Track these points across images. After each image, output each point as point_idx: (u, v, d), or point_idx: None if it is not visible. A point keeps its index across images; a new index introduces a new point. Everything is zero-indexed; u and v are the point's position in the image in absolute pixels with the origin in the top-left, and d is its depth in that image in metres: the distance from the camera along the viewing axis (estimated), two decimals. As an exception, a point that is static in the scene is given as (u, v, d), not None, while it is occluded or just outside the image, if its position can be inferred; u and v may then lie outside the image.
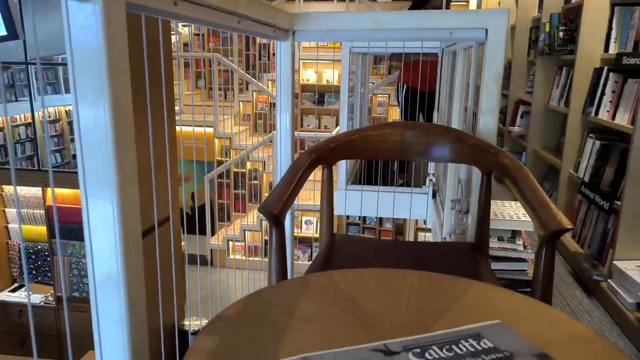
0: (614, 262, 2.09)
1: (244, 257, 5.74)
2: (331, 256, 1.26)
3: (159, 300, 1.66)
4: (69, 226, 3.47)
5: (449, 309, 0.71)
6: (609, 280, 2.13)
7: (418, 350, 0.60)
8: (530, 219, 1.95)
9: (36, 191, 3.89)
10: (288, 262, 1.54)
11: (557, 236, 0.94)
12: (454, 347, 0.61)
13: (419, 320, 0.68)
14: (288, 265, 1.25)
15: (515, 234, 1.95)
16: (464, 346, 0.61)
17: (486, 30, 1.37)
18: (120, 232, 1.00)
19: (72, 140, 6.63)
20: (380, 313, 0.70)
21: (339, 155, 1.37)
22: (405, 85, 3.84)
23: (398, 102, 4.07)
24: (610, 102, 2.42)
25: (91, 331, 1.03)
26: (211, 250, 5.59)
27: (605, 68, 2.48)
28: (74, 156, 6.60)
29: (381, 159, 1.45)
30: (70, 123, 6.60)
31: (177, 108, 6.19)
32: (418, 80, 3.56)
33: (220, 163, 5.38)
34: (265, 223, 5.56)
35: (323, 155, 1.32)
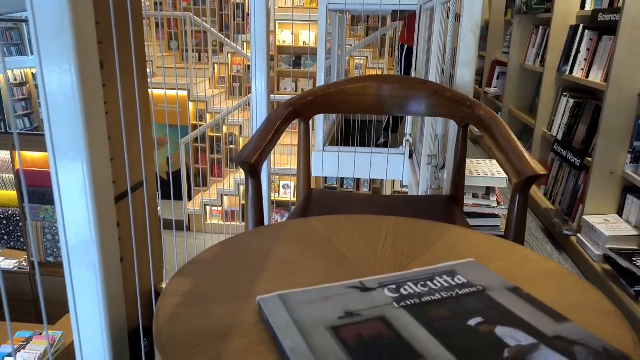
0: (583, 216, 2.16)
1: (221, 222, 5.73)
2: (309, 209, 1.26)
3: (134, 263, 1.64)
4: (40, 190, 3.39)
5: (425, 250, 0.72)
6: (578, 234, 2.20)
7: (393, 286, 0.61)
8: (503, 176, 1.99)
9: (4, 155, 3.77)
10: (265, 216, 1.54)
11: (531, 182, 0.96)
12: (428, 283, 0.62)
13: (395, 260, 0.69)
14: (265, 220, 1.25)
15: (489, 191, 1.98)
16: (439, 282, 0.62)
17: (464, -19, 1.34)
18: (92, 197, 0.98)
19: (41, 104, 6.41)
20: (357, 255, 0.70)
21: (316, 109, 1.35)
22: (403, 46, 3.79)
23: (395, 62, 4.04)
24: (585, 60, 2.44)
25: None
26: (188, 215, 5.57)
27: (581, 25, 2.48)
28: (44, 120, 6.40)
29: (358, 114, 1.44)
30: (37, 85, 6.36)
31: (148, 71, 6.02)
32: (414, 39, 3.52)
33: (195, 127, 5.29)
34: (242, 188, 5.54)
35: (300, 109, 1.30)
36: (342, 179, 6.33)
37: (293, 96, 1.35)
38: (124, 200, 1.89)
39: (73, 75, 0.82)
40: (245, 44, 6.01)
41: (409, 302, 0.57)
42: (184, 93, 5.53)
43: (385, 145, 4.08)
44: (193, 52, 5.75)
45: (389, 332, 0.51)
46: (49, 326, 2.94)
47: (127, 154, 1.36)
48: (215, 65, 6.15)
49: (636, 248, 1.94)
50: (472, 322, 0.54)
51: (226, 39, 5.46)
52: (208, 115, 5.70)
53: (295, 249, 0.71)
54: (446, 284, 0.62)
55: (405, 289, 0.60)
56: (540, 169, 0.96)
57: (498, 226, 1.93)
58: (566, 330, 0.52)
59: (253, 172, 1.01)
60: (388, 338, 0.50)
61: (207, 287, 0.60)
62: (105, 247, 1.03)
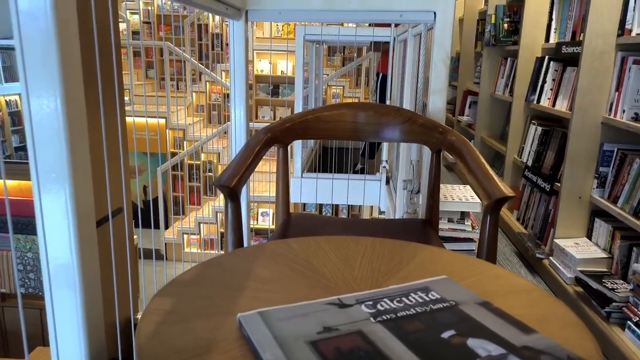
0: (554, 240, 2.22)
1: (199, 250, 5.66)
2: (288, 232, 1.27)
3: (114, 293, 1.62)
4: (12, 219, 3.31)
5: (400, 268, 0.75)
6: (550, 257, 2.26)
7: (370, 302, 0.63)
8: (477, 201, 2.04)
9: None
10: (245, 239, 1.54)
11: (500, 204, 1.00)
12: (404, 299, 0.64)
13: (372, 278, 0.71)
14: (245, 244, 1.26)
15: (463, 215, 2.04)
16: (413, 298, 0.64)
17: (434, 13, 1.42)
18: (75, 223, 0.98)
19: (14, 132, 6.31)
20: (335, 274, 0.72)
21: (294, 134, 1.38)
22: (380, 74, 3.91)
23: (373, 92, 4.15)
24: (551, 89, 2.56)
25: (38, 327, 1.00)
26: (165, 243, 5.49)
27: (546, 57, 2.61)
28: (16, 149, 6.29)
29: (335, 140, 1.48)
30: (11, 114, 6.27)
31: (127, 99, 6.01)
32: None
33: (174, 155, 5.27)
34: (220, 215, 5.50)
35: (278, 134, 1.33)
36: (321, 205, 6.35)
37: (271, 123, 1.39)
38: (102, 227, 1.87)
39: (58, 100, 0.83)
40: (223, 72, 6.07)
41: (385, 317, 0.59)
42: (162, 121, 5.53)
43: (362, 171, 4.14)
44: (171, 80, 5.78)
45: (365, 345, 0.53)
46: (17, 360, 2.83)
47: (108, 180, 1.36)
48: (194, 93, 6.18)
49: (605, 270, 2.00)
50: (445, 334, 0.56)
51: (205, 67, 5.52)
52: (186, 143, 5.69)
53: (275, 269, 0.73)
54: (420, 300, 0.64)
55: (382, 305, 0.62)
56: (508, 191, 1.00)
57: (473, 250, 1.97)
58: (533, 340, 0.55)
59: (232, 196, 1.02)
60: (365, 350, 0.52)
61: (188, 306, 0.61)
62: (86, 275, 1.02)
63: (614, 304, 1.77)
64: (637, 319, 1.65)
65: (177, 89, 6.15)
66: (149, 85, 6.38)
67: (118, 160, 1.64)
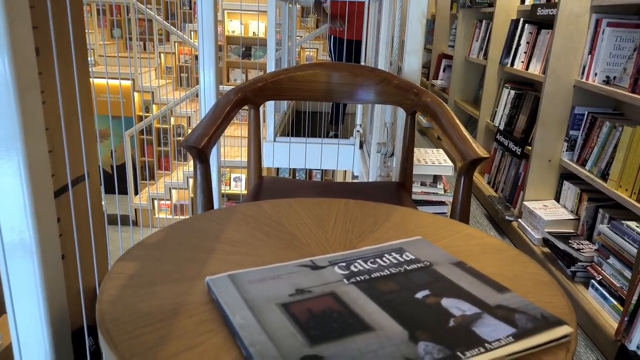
0: (524, 202, 2.26)
1: (170, 216, 5.59)
2: (260, 195, 1.25)
3: (77, 260, 1.57)
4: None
5: (374, 230, 0.73)
6: (519, 219, 2.30)
7: (344, 264, 0.61)
8: (450, 164, 2.05)
9: None
10: (216, 203, 1.51)
11: (475, 165, 0.99)
12: (377, 260, 0.63)
13: (345, 239, 0.70)
14: (216, 206, 1.23)
15: (436, 179, 2.04)
16: (387, 259, 0.63)
17: (411, -30, 1.37)
18: (30, 191, 0.93)
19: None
20: (307, 235, 0.70)
21: (265, 95, 1.34)
22: (332, 36, 3.83)
23: (329, 51, 4.07)
24: (525, 52, 2.55)
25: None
26: (135, 209, 5.39)
27: (521, 19, 2.59)
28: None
29: (308, 101, 1.45)
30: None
31: (90, 59, 5.75)
32: (344, 31, 3.56)
33: (141, 119, 5.12)
34: (192, 180, 5.42)
35: (249, 95, 1.28)
36: (294, 170, 6.32)
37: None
38: (65, 195, 1.81)
39: (6, 62, 0.77)
40: (192, 33, 5.86)
41: (358, 279, 0.58)
42: (128, 83, 5.33)
43: (336, 137, 4.11)
44: (137, 40, 5.55)
45: (339, 306, 0.52)
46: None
47: (66, 145, 1.30)
48: (162, 54, 5.96)
49: (572, 231, 2.05)
50: (420, 294, 0.55)
51: (172, 27, 5.31)
52: (154, 106, 5.53)
53: (245, 231, 0.71)
54: (395, 261, 0.63)
55: (355, 266, 0.61)
56: (483, 152, 0.99)
57: (445, 213, 1.99)
58: (507, 299, 0.55)
59: (201, 157, 0.99)
60: (338, 311, 0.51)
61: (154, 269, 0.58)
62: (44, 242, 0.98)
63: (579, 263, 1.82)
64: (600, 277, 1.70)
65: (144, 49, 5.92)
66: (113, 46, 6.11)
67: (77, 125, 1.56)
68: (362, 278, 0.58)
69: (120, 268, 0.58)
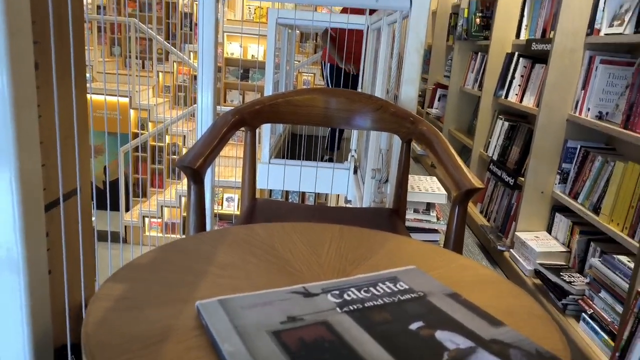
0: (516, 233, 2.26)
1: (161, 234, 5.54)
2: (253, 218, 1.24)
3: (64, 276, 1.54)
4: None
5: (368, 257, 0.73)
6: (511, 250, 2.30)
7: (337, 292, 0.60)
8: (443, 192, 2.05)
9: None
10: (208, 224, 1.49)
11: (469, 195, 0.99)
12: (371, 288, 0.62)
13: (339, 266, 0.69)
14: (207, 228, 1.22)
15: (429, 207, 2.04)
16: (381, 288, 0.62)
17: (410, 1, 1.39)
18: (20, 207, 0.91)
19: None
20: (300, 260, 0.70)
21: (262, 117, 1.34)
22: (328, 64, 3.87)
23: (323, 78, 4.10)
24: (519, 85, 2.59)
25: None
26: (125, 226, 5.34)
27: (516, 53, 2.64)
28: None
29: (305, 125, 1.45)
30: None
31: (88, 75, 5.77)
32: (342, 59, 3.61)
33: (136, 136, 5.11)
34: (184, 200, 5.38)
35: (246, 117, 1.29)
36: (287, 192, 6.32)
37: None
38: (55, 209, 1.78)
39: (4, 78, 0.78)
40: (192, 53, 5.91)
41: (351, 307, 0.57)
42: (125, 100, 5.35)
43: (330, 161, 4.12)
44: (136, 59, 5.58)
45: (331, 335, 0.51)
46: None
47: (60, 159, 1.29)
48: (160, 73, 6.00)
49: (564, 263, 2.05)
50: (413, 326, 0.54)
51: (172, 47, 5.36)
52: (150, 124, 5.53)
53: (237, 255, 0.70)
54: (389, 290, 0.62)
55: (349, 295, 0.60)
56: (478, 183, 0.99)
57: (437, 241, 1.99)
58: (502, 333, 0.54)
59: (196, 178, 0.98)
60: (330, 341, 0.50)
61: (142, 292, 0.57)
62: (31, 259, 0.96)
63: (570, 296, 1.81)
64: (592, 311, 1.69)
65: (142, 67, 5.95)
66: (112, 63, 6.15)
67: (73, 139, 1.56)
68: (355, 307, 0.57)
69: (108, 289, 0.57)
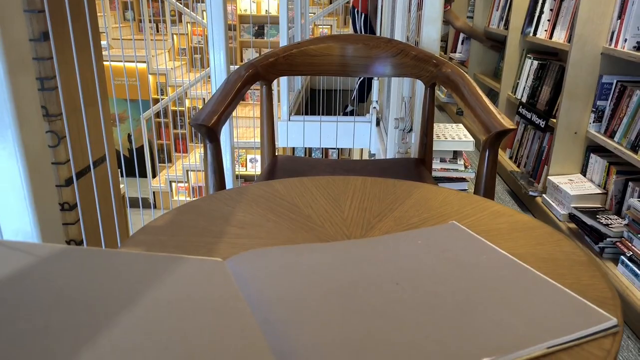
0: (548, 177, 2.18)
1: (188, 198, 5.62)
2: (274, 175, 1.21)
3: (101, 243, 1.56)
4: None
5: (394, 208, 0.69)
6: (543, 195, 2.22)
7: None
8: (470, 139, 1.97)
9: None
10: (229, 185, 1.47)
11: (500, 137, 0.93)
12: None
13: (363, 219, 0.65)
14: (229, 186, 1.19)
15: (456, 155, 1.97)
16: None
17: None
18: (28, 182, 0.89)
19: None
20: (322, 216, 0.66)
21: (277, 70, 1.28)
22: (362, 14, 3.68)
23: (355, 30, 3.90)
24: (549, 20, 2.43)
25: None
26: (153, 192, 5.42)
27: (544, -14, 2.47)
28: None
29: (322, 76, 1.39)
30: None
31: (104, 43, 5.73)
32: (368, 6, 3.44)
33: (156, 101, 5.10)
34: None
35: (261, 70, 1.23)
36: (310, 150, 6.28)
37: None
38: (84, 178, 1.79)
39: None
40: (204, 13, 5.78)
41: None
42: (142, 66, 5.31)
43: (352, 113, 4.03)
44: (150, 22, 5.50)
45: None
46: None
47: (87, 128, 1.27)
48: (174, 36, 5.91)
49: (600, 206, 1.97)
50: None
51: (184, 7, 5.25)
52: (169, 89, 5.50)
53: (256, 213, 0.66)
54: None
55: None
56: (509, 124, 0.93)
57: (466, 190, 1.93)
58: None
59: (211, 136, 0.94)
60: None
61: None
62: (46, 231, 0.95)
63: (607, 239, 1.75)
64: (631, 253, 1.63)
65: (157, 30, 5.87)
66: (127, 29, 6.08)
67: (94, 107, 1.54)
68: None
69: (123, 254, 0.55)
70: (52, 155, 1.75)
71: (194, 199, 5.54)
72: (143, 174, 4.64)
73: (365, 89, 4.06)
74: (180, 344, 0.37)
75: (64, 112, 1.60)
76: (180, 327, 0.39)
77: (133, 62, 4.68)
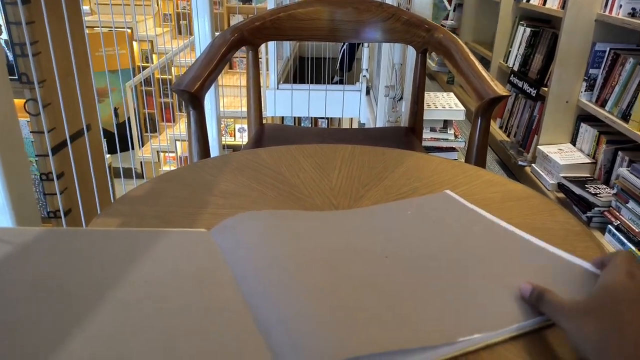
0: (538, 147, 2.17)
1: (176, 168, 5.56)
2: (260, 143, 1.17)
3: (81, 215, 1.52)
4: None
5: (384, 177, 0.66)
6: (532, 164, 2.22)
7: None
8: (461, 108, 1.94)
9: None
10: (215, 151, 1.44)
11: (493, 104, 0.91)
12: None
13: (351, 188, 0.63)
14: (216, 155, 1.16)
15: (446, 124, 1.95)
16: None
17: None
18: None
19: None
20: (309, 185, 0.64)
21: (264, 34, 1.24)
22: None
23: None
24: (542, -14, 2.38)
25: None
26: (140, 162, 5.35)
27: (539, -51, 2.40)
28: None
29: (310, 41, 1.35)
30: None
31: (87, 8, 5.54)
32: None
33: (141, 70, 4.97)
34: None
35: (247, 35, 1.18)
36: (299, 119, 6.21)
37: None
38: (65, 149, 1.74)
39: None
40: (190, -23, 5.59)
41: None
42: (125, 32, 5.15)
43: (340, 83, 3.97)
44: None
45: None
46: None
47: (62, 102, 1.22)
48: (159, 0, 5.73)
49: (589, 175, 1.97)
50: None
51: (169, -29, 5.06)
52: (155, 56, 5.37)
53: (241, 182, 0.64)
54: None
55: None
56: (502, 90, 0.90)
57: (456, 159, 1.91)
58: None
59: (194, 102, 0.91)
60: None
61: (136, 226, 0.52)
62: (18, 202, 0.91)
63: (596, 208, 1.75)
64: (618, 222, 1.64)
65: (141, -4, 5.67)
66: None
67: (74, 77, 1.47)
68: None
69: (99, 225, 0.52)
70: (35, 125, 1.69)
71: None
72: (129, 149, 4.53)
73: (352, 55, 3.99)
74: (163, 327, 0.35)
75: (36, 81, 1.54)
76: (162, 309, 0.37)
77: (118, 28, 4.54)
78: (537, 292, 0.39)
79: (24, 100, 1.61)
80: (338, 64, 4.17)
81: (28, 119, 1.64)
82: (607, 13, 1.88)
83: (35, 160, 1.69)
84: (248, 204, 0.59)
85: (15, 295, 0.37)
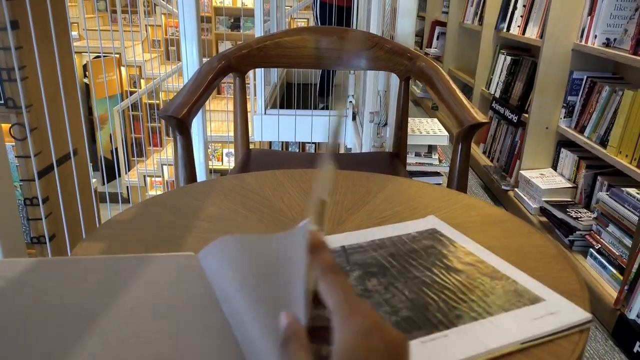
0: (520, 171, 2.21)
1: (163, 192, 5.52)
2: (246, 168, 1.19)
3: (65, 237, 1.50)
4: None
5: (366, 202, 0.68)
6: (515, 189, 2.26)
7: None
8: (445, 133, 1.98)
9: None
10: (202, 176, 1.45)
11: (473, 131, 0.94)
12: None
13: (335, 213, 0.64)
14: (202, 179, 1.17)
15: (431, 149, 1.99)
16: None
17: None
18: None
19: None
20: (294, 209, 0.65)
21: (251, 62, 1.26)
22: (318, 1, 3.69)
23: (314, 17, 3.91)
24: (522, 16, 2.47)
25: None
26: (127, 187, 5.32)
27: (518, -18, 2.49)
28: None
29: (296, 68, 1.38)
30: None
31: (75, 33, 5.57)
32: None
33: (130, 95, 4.99)
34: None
35: (234, 62, 1.21)
36: (287, 144, 6.24)
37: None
38: (51, 174, 1.73)
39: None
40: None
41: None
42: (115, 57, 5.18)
43: (326, 109, 4.02)
44: (123, 13, 5.37)
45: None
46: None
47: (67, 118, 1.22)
48: (148, 27, 5.79)
49: (570, 200, 2.01)
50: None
51: (158, -2, 5.14)
52: (143, 82, 5.40)
53: (226, 206, 0.65)
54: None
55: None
56: (481, 117, 0.93)
57: (440, 184, 1.94)
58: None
59: (181, 128, 0.92)
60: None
61: (121, 251, 0.53)
62: (3, 233, 0.90)
63: (577, 232, 1.79)
64: (599, 246, 1.67)
65: (131, 21, 5.74)
66: (100, 19, 5.92)
67: (61, 101, 1.48)
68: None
69: (84, 250, 0.53)
70: (21, 149, 1.69)
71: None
72: (114, 176, 4.50)
73: (325, 83, 4.05)
74: (147, 354, 0.36)
75: (24, 105, 1.55)
76: (146, 335, 0.38)
77: (106, 54, 4.57)
78: (288, 334, 0.31)
79: (9, 125, 1.61)
80: (319, 90, 4.23)
81: (13, 144, 1.64)
82: (583, 43, 1.95)
83: (20, 185, 1.68)
84: (234, 228, 0.60)
85: (1, 326, 0.38)
